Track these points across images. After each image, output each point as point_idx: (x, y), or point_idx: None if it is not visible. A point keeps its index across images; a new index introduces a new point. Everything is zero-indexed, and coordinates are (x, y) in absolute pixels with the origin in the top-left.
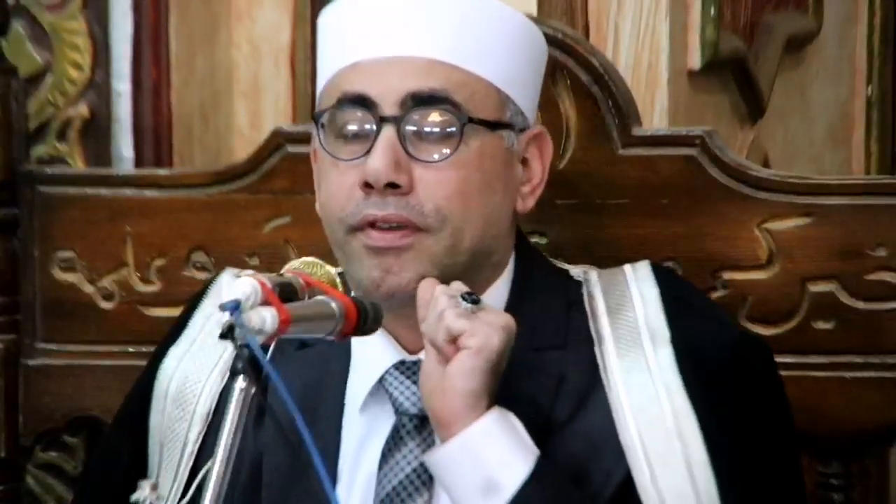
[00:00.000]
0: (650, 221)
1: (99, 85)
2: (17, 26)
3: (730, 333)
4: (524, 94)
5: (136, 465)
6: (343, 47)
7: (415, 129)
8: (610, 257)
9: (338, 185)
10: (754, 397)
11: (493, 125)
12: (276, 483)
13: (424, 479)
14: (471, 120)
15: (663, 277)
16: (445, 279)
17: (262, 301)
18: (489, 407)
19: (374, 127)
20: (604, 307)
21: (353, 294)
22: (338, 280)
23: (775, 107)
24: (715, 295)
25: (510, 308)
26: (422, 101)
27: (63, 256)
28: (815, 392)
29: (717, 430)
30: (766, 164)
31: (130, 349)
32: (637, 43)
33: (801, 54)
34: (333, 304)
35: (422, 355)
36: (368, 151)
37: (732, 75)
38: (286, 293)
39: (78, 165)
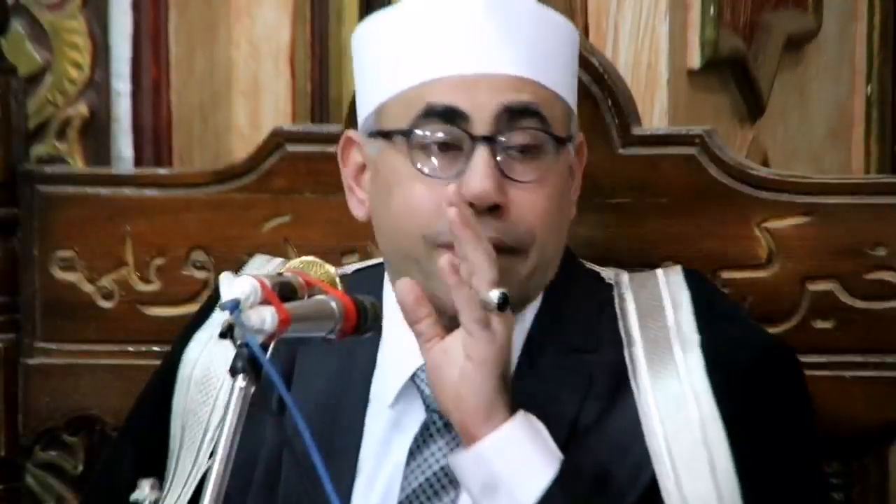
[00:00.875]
0: (650, 221)
1: (98, 84)
2: (17, 25)
3: (759, 340)
4: (575, 102)
5: (154, 452)
6: (417, 61)
7: (509, 147)
8: (609, 257)
9: (424, 200)
10: (781, 405)
11: (567, 141)
12: (293, 478)
13: (452, 477)
14: (556, 138)
15: (695, 282)
16: (524, 299)
17: (261, 300)
18: (509, 410)
19: (470, 143)
20: (634, 309)
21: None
22: (337, 279)
23: (775, 106)
24: None
25: (543, 312)
26: (516, 113)
27: (63, 256)
28: (815, 391)
29: (743, 438)
30: (765, 164)
31: (130, 348)
32: (637, 42)
33: (801, 53)
34: (333, 304)
35: None
36: (464, 169)
37: (732, 75)
38: (286, 292)
39: (77, 165)
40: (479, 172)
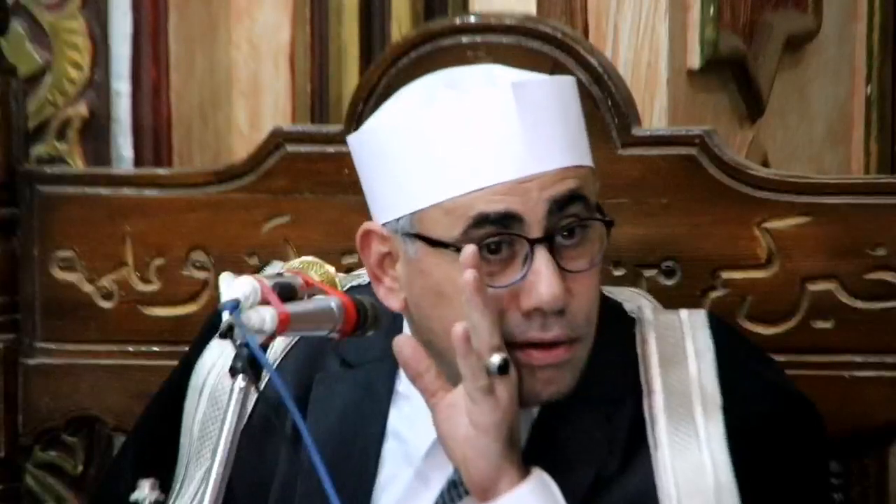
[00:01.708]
0: (649, 221)
1: (98, 84)
2: (17, 26)
3: (782, 402)
4: None
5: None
6: (462, 170)
7: (560, 236)
8: (609, 257)
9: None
10: (799, 473)
11: (612, 221)
12: None
13: None
14: (606, 221)
15: (719, 331)
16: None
17: (261, 300)
18: (519, 472)
19: (527, 247)
20: (657, 356)
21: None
22: (337, 279)
23: (774, 106)
24: (714, 295)
25: None
26: (563, 203)
27: (62, 256)
28: (814, 391)
29: None
30: (765, 164)
31: (130, 348)
32: (636, 42)
33: (801, 53)
34: (333, 304)
35: None
36: (525, 275)
37: (732, 75)
38: (285, 293)
39: (77, 165)
40: (545, 279)
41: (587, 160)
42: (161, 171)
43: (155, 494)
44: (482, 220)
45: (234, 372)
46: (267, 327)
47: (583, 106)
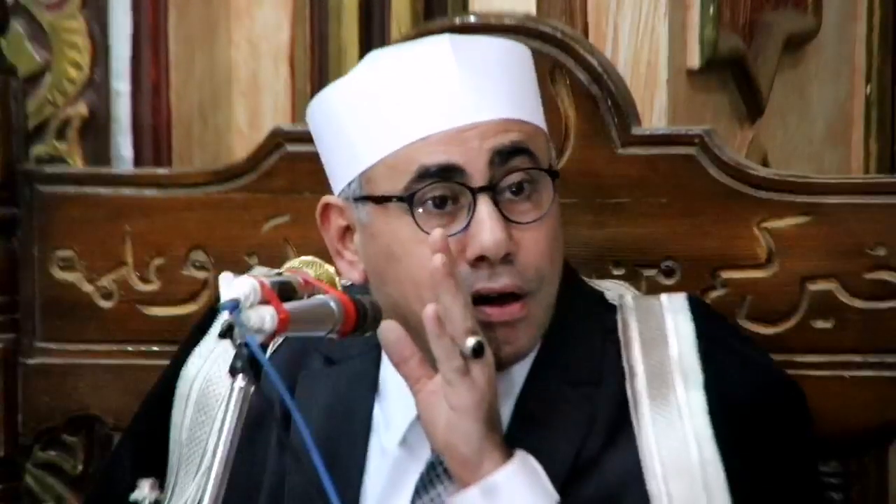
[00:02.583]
0: (649, 220)
1: (98, 84)
2: (17, 25)
3: (763, 377)
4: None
5: (155, 459)
6: (401, 122)
7: (505, 191)
8: (609, 256)
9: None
10: (782, 448)
11: (558, 173)
12: None
13: None
14: (550, 171)
15: (699, 312)
16: (539, 338)
17: (261, 300)
18: (502, 453)
19: (469, 197)
20: (638, 339)
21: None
22: (336, 279)
23: (774, 106)
24: (714, 294)
25: (548, 341)
26: (506, 155)
27: (62, 256)
28: (814, 391)
29: (743, 483)
30: (765, 164)
31: (129, 348)
32: (636, 42)
33: (801, 53)
34: (332, 303)
35: None
36: (468, 225)
37: (731, 74)
38: (285, 292)
39: (77, 165)
40: (487, 225)
41: (535, 119)
42: (161, 171)
43: (155, 494)
44: (424, 172)
45: (233, 372)
46: (267, 327)
47: (582, 105)
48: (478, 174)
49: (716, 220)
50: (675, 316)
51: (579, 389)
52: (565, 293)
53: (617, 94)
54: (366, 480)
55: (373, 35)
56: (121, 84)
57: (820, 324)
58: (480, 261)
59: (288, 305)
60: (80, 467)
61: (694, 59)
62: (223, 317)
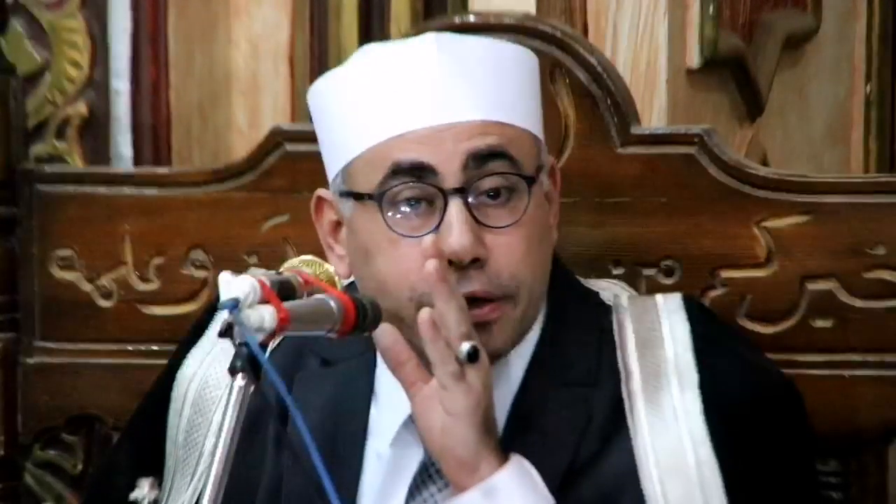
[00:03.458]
0: (649, 220)
1: (97, 83)
2: (16, 25)
3: (759, 377)
4: (542, 129)
5: (153, 458)
6: (380, 118)
7: (481, 195)
8: (609, 256)
9: (405, 262)
10: (779, 450)
11: (536, 178)
12: None
13: None
14: (527, 177)
15: (695, 313)
16: (518, 340)
17: (260, 299)
18: (497, 457)
19: (441, 198)
20: (633, 340)
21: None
22: (336, 278)
23: (774, 105)
24: (713, 293)
25: (543, 342)
26: (483, 158)
27: (62, 255)
28: (814, 390)
29: (739, 483)
30: (764, 163)
31: (129, 348)
32: (636, 41)
33: (800, 52)
34: (332, 303)
35: None
36: (438, 226)
37: (731, 74)
38: (285, 292)
39: (77, 164)
40: (455, 228)
41: (523, 122)
42: (160, 170)
43: (154, 493)
44: (396, 170)
45: (233, 371)
46: (266, 326)
47: (582, 105)
48: (451, 176)
49: (715, 220)
50: (670, 316)
51: (575, 391)
52: (560, 294)
53: (616, 93)
54: (362, 483)
55: (372, 34)
56: (120, 83)
57: (819, 323)
58: (450, 264)
59: (287, 304)
60: (79, 467)
61: (693, 59)
62: (222, 316)
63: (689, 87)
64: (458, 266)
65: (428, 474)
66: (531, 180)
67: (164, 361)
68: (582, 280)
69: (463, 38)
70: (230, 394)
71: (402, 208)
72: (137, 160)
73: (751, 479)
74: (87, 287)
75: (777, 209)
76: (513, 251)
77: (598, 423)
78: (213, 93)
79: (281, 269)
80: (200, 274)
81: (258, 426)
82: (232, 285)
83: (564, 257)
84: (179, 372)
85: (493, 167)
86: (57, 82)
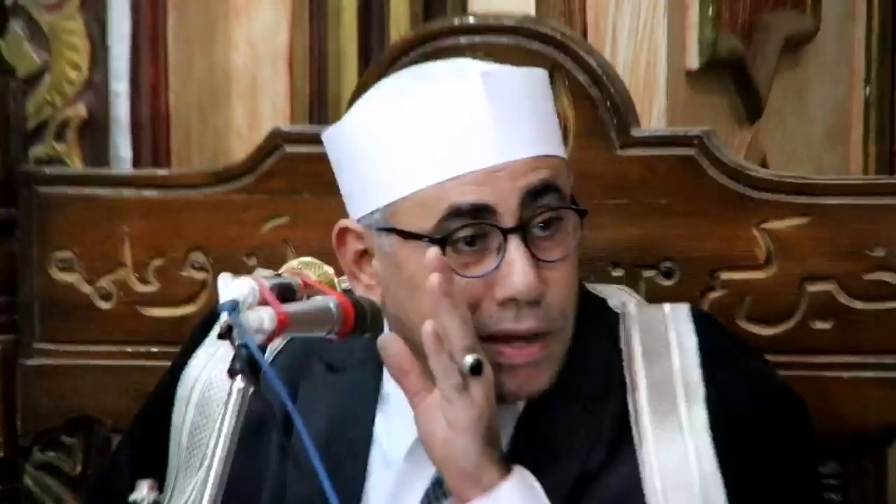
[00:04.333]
0: (648, 221)
1: (97, 85)
2: (16, 26)
3: (766, 390)
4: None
5: (155, 460)
6: (432, 160)
7: (537, 228)
8: (608, 257)
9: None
10: (785, 464)
11: (585, 211)
12: None
13: None
14: (580, 210)
15: (702, 325)
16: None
17: (260, 301)
18: (500, 470)
19: (499, 236)
20: (640, 350)
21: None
22: (336, 280)
23: (773, 107)
24: (713, 295)
25: None
26: (535, 193)
27: (61, 256)
28: (813, 392)
29: (744, 498)
30: (764, 164)
31: (129, 349)
32: (635, 43)
33: (800, 54)
34: (331, 305)
35: None
36: (499, 265)
37: (731, 75)
38: (284, 293)
39: (76, 165)
40: (519, 267)
41: (559, 151)
42: (160, 172)
43: (154, 495)
44: (454, 212)
45: (232, 373)
46: (266, 328)
47: (581, 106)
48: (508, 214)
49: (715, 222)
50: (677, 327)
51: (585, 403)
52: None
53: (616, 95)
54: (367, 491)
55: (371, 36)
56: (120, 85)
57: (819, 325)
58: (509, 301)
59: (287, 306)
60: (79, 468)
61: (693, 60)
62: (222, 318)
63: (688, 89)
64: (517, 304)
65: (441, 491)
66: (583, 213)
67: (164, 363)
68: (588, 286)
69: (502, 71)
70: (229, 395)
71: (459, 247)
72: (137, 162)
73: (755, 493)
74: (86, 289)
75: (777, 211)
76: (565, 285)
77: (604, 436)
78: (212, 94)
79: (280, 271)
80: (200, 276)
81: (262, 430)
82: (231, 287)
83: None
84: (184, 373)
85: (547, 202)
86: (56, 84)
